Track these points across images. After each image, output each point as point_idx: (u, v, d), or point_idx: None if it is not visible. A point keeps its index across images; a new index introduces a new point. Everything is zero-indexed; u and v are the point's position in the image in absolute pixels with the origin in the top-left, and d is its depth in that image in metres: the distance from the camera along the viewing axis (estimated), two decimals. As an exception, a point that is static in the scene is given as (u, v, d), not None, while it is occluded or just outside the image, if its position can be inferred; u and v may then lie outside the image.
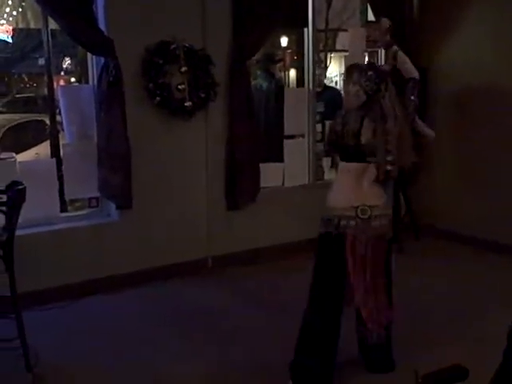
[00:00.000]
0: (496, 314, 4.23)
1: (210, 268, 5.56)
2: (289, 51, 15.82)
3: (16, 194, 3.54)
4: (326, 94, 7.49)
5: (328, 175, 6.93)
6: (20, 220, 3.64)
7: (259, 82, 6.65)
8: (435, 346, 3.81)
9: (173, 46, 5.05)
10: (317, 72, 7.95)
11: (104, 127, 4.88)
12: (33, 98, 13.98)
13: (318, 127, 6.67)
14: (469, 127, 6.18)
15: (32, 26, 9.57)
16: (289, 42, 15.36)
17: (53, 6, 4.60)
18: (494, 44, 5.81)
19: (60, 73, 15.15)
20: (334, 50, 16.14)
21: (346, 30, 9.01)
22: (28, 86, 16.87)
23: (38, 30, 6.45)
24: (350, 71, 3.36)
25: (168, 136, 5.24)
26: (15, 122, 10.03)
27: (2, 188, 3.63)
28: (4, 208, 3.57)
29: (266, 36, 5.70)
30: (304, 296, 4.91)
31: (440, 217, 6.31)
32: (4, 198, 3.58)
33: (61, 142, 6.22)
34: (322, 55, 15.20)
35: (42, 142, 9.25)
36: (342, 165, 3.44)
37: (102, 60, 4.82)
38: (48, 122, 7.71)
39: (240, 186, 5.54)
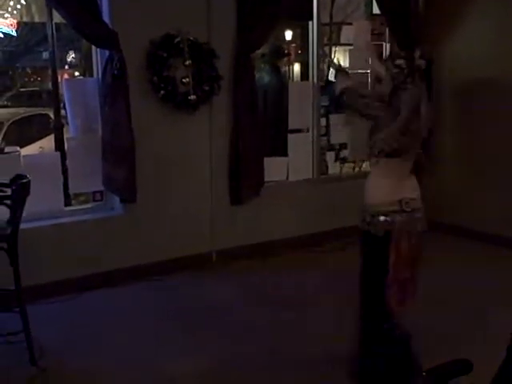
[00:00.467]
0: (506, 309, 4.21)
1: (213, 262, 5.56)
2: (293, 45, 15.75)
3: (20, 187, 3.55)
4: (329, 88, 7.48)
5: (332, 169, 6.94)
6: (24, 214, 3.65)
7: (264, 75, 6.63)
8: (445, 341, 3.79)
9: (177, 40, 5.04)
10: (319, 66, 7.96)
11: (108, 121, 4.87)
12: (37, 92, 13.99)
13: (323, 121, 6.66)
14: (473, 121, 6.16)
15: (36, 19, 9.56)
16: (293, 36, 15.30)
17: (57, -2, 4.60)
18: (499, 38, 5.78)
19: (64, 66, 15.13)
20: (338, 43, 16.05)
21: (350, 24, 8.94)
22: (32, 79, 16.86)
23: (43, 24, 6.45)
24: (387, 57, 3.35)
25: (172, 129, 5.23)
26: (19, 116, 10.03)
27: (7, 182, 3.63)
28: (8, 201, 3.57)
29: (270, 30, 5.67)
30: (308, 290, 4.95)
31: (448, 212, 6.28)
32: (8, 191, 3.59)
33: (65, 136, 6.24)
34: (326, 49, 15.14)
35: (46, 135, 9.27)
36: (375, 160, 3.36)
37: (107, 53, 4.81)
38: (52, 115, 7.73)
39: (244, 180, 5.53)
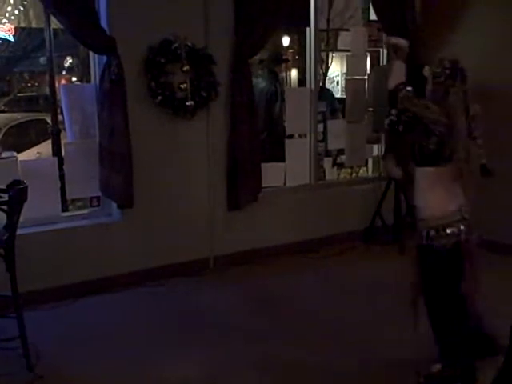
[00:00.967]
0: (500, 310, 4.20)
1: (211, 268, 5.55)
2: (290, 51, 15.80)
3: (17, 193, 3.54)
4: (322, 94, 7.54)
5: (329, 175, 6.95)
6: (21, 219, 3.65)
7: (262, 81, 6.64)
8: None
9: (175, 45, 5.05)
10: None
11: (106, 126, 4.87)
12: (34, 97, 14.00)
13: (320, 127, 6.67)
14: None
15: (34, 25, 9.59)
16: (290, 42, 15.34)
17: (55, 4, 4.60)
18: (496, 44, 5.79)
19: (62, 72, 15.14)
20: (335, 49, 16.10)
21: (347, 30, 8.98)
22: (30, 85, 16.88)
23: (40, 29, 6.46)
24: (436, 60, 3.36)
25: (170, 135, 5.23)
26: (17, 121, 10.04)
27: (4, 187, 3.62)
28: (5, 207, 3.56)
29: (268, 36, 5.69)
30: (306, 295, 4.95)
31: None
32: (5, 197, 3.58)
33: (62, 141, 6.23)
34: (323, 55, 15.17)
35: (43, 141, 9.26)
36: (420, 171, 3.34)
37: (104, 59, 4.81)
38: (50, 121, 7.72)
39: (241, 186, 5.53)
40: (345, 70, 6.66)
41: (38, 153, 9.00)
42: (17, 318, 3.60)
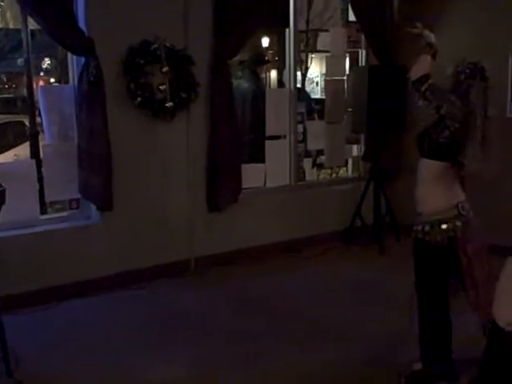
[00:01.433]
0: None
1: (192, 269, 5.53)
2: (270, 52, 15.83)
3: (-5, 195, 3.49)
4: (298, 95, 7.56)
5: (309, 176, 6.97)
6: (-1, 222, 3.60)
7: (243, 82, 6.64)
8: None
9: (154, 46, 5.03)
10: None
11: (84, 128, 4.83)
12: (12, 99, 13.84)
13: (300, 128, 6.69)
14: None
15: (11, 25, 9.49)
16: (270, 43, 15.37)
17: (32, 5, 4.56)
18: (475, 45, 5.83)
19: (40, 73, 15.02)
20: (314, 50, 16.17)
21: (327, 31, 9.02)
22: (7, 86, 16.71)
23: (18, 30, 6.39)
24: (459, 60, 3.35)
25: (149, 137, 5.21)
26: (-6, 123, 9.93)
27: (-19, 190, 3.57)
28: (-17, 210, 3.51)
29: (247, 37, 5.69)
30: (288, 294, 4.96)
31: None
32: (-17, 200, 3.53)
33: (40, 143, 6.17)
34: (303, 56, 15.23)
35: (21, 143, 9.18)
36: (424, 162, 3.35)
37: (83, 60, 4.77)
38: (27, 122, 7.66)
39: (222, 187, 5.53)
40: (324, 71, 6.67)
41: (15, 155, 8.91)
42: (-5, 322, 3.56)
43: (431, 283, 3.39)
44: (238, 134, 5.66)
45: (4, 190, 3.54)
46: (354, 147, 7.12)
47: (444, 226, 3.26)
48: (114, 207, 4.97)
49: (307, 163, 6.98)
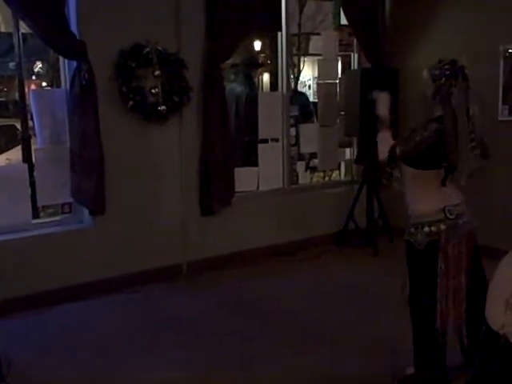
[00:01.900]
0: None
1: (184, 274, 5.52)
2: (262, 55, 15.83)
3: (-13, 200, 3.48)
4: (297, 99, 7.57)
5: (302, 179, 6.97)
6: (-9, 227, 3.58)
7: (237, 86, 6.64)
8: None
9: (146, 50, 5.02)
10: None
11: (77, 132, 4.82)
12: (3, 103, 13.80)
13: (292, 131, 6.69)
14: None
15: (2, 29, 9.43)
16: (262, 46, 15.36)
17: (24, 9, 4.54)
18: (465, 48, 5.85)
19: (31, 77, 14.96)
20: (307, 53, 16.17)
21: (319, 34, 9.03)
22: (-2, 90, 16.63)
23: (9, 34, 6.36)
24: (432, 63, 3.30)
25: (142, 140, 5.20)
26: (-14, 127, 9.89)
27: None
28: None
29: (239, 40, 5.69)
30: (282, 298, 4.95)
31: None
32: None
33: (33, 147, 6.14)
34: (295, 59, 15.24)
35: (13, 147, 9.14)
36: (414, 170, 3.31)
37: (75, 63, 4.76)
38: (19, 126, 7.62)
39: (214, 191, 5.52)
40: (316, 74, 6.68)
41: (7, 159, 8.87)
42: (-13, 327, 3.54)
43: (420, 284, 3.39)
44: (230, 138, 5.66)
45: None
46: (347, 150, 7.13)
47: (426, 229, 3.26)
48: (107, 211, 4.96)
49: (300, 166, 6.99)
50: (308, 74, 17.27)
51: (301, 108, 7.14)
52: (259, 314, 4.65)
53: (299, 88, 15.40)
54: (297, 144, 6.79)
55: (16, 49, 6.26)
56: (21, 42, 6.17)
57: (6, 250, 4.64)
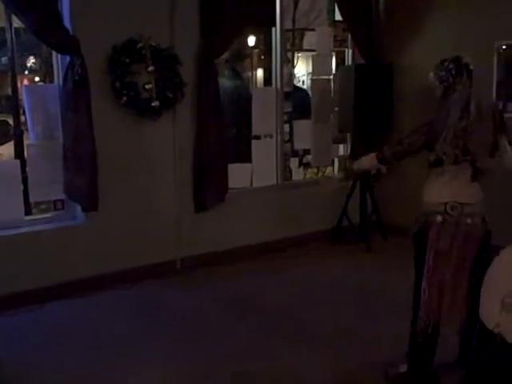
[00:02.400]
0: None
1: (178, 270, 5.51)
2: (256, 50, 15.79)
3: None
4: (296, 94, 7.54)
5: (296, 175, 6.96)
6: (-17, 223, 3.56)
7: (227, 81, 6.61)
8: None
9: (139, 45, 4.99)
10: (286, 71, 8.01)
11: (70, 127, 4.80)
12: (-4, 98, 13.71)
13: (286, 127, 6.67)
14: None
15: (-5, 24, 9.38)
16: (256, 42, 15.32)
17: (17, 3, 4.51)
18: (460, 44, 5.85)
19: (24, 72, 14.87)
20: (301, 49, 16.16)
21: (313, 30, 9.01)
22: (-9, 85, 16.53)
23: (2, 29, 6.32)
24: (436, 64, 3.33)
25: (135, 136, 5.18)
26: (-23, 123, 9.83)
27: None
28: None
29: (234, 35, 5.67)
30: (276, 294, 4.95)
31: (406, 215, 6.32)
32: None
33: (25, 143, 6.11)
34: (289, 54, 15.21)
35: (5, 142, 9.08)
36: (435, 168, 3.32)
37: (68, 59, 4.73)
38: (11, 122, 7.58)
39: (208, 187, 5.51)
40: (310, 70, 6.66)
41: (-1, 154, 8.83)
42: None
43: (417, 272, 3.40)
44: (224, 134, 5.64)
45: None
46: (341, 146, 7.12)
47: (423, 218, 3.29)
48: (100, 208, 4.94)
49: (294, 163, 6.97)
50: (302, 70, 17.26)
51: (300, 104, 7.09)
52: (253, 310, 4.65)
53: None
54: (290, 140, 6.77)
55: (9, 43, 6.23)
56: (13, 36, 6.15)
57: (-2, 246, 4.61)
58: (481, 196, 3.28)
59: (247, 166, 6.06)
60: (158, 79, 5.11)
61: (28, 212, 5.35)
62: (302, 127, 6.59)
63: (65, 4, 4.79)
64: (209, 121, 5.43)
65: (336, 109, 6.53)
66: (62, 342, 4.11)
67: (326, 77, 6.63)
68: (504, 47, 5.61)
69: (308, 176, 7.85)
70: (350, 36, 6.74)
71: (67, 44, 4.66)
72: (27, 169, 5.04)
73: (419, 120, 6.27)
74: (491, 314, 2.39)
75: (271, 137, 6.29)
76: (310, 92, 6.94)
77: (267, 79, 13.10)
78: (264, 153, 6.17)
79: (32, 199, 5.19)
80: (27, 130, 5.43)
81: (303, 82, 16.66)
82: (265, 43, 14.22)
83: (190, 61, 5.33)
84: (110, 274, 5.08)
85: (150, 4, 5.09)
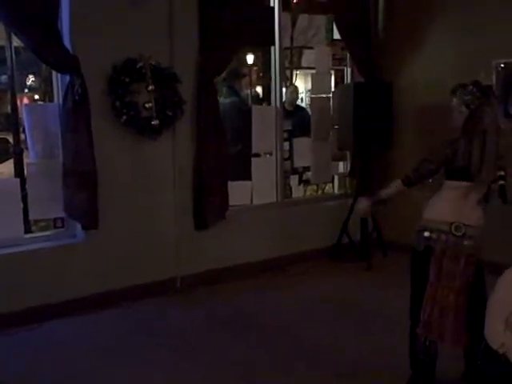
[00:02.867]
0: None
1: (178, 288, 5.49)
2: (255, 68, 15.88)
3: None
4: (297, 113, 7.57)
5: (296, 193, 6.96)
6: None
7: (223, 99, 6.62)
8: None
9: (139, 64, 5.01)
10: (290, 90, 8.04)
11: (69, 146, 4.80)
12: (-4, 116, 13.76)
13: (286, 145, 6.68)
14: (434, 143, 6.23)
15: (-5, 42, 9.43)
16: (255, 59, 15.41)
17: (17, 23, 4.53)
18: (455, 65, 5.88)
19: (24, 90, 14.94)
20: (299, 67, 16.27)
21: (311, 48, 9.08)
22: (-10, 103, 16.58)
23: (1, 47, 6.35)
24: (454, 88, 3.34)
25: (135, 155, 5.18)
26: (-23, 141, 9.86)
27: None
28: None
29: (232, 53, 5.71)
30: (276, 312, 4.93)
31: (407, 233, 6.31)
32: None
33: (25, 161, 6.11)
34: (287, 72, 15.30)
35: (5, 160, 9.10)
36: (448, 182, 3.35)
37: (68, 78, 4.75)
38: (11, 140, 7.59)
39: (208, 205, 5.50)
40: (309, 88, 6.68)
41: (-1, 173, 8.84)
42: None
43: (415, 287, 3.42)
44: (224, 152, 5.65)
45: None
46: (340, 164, 7.14)
47: (426, 234, 3.29)
48: (100, 226, 4.93)
49: (294, 180, 6.98)
50: (301, 87, 17.35)
51: (301, 123, 7.12)
52: (253, 328, 4.63)
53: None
54: (290, 158, 6.78)
55: (8, 62, 6.25)
56: (13, 55, 6.17)
57: (-3, 265, 4.59)
58: (482, 221, 3.31)
59: (247, 183, 6.06)
60: (157, 98, 5.13)
61: (27, 230, 5.35)
62: (302, 145, 6.61)
63: (65, 23, 4.82)
64: (208, 139, 5.44)
65: (336, 127, 6.55)
66: (62, 361, 4.08)
67: (326, 95, 6.66)
68: (502, 65, 5.64)
69: (308, 193, 7.86)
70: (348, 54, 6.77)
71: (67, 63, 4.68)
72: (27, 187, 5.03)
73: (419, 137, 6.31)
74: (496, 333, 2.38)
75: (271, 154, 6.30)
76: (309, 110, 6.97)
77: (265, 97, 13.18)
78: (264, 170, 6.17)
79: (32, 217, 5.18)
80: (27, 148, 5.43)
81: (302, 99, 16.74)
82: (263, 61, 14.35)
83: (189, 79, 5.35)
84: (110, 292, 5.05)
85: (149, 23, 5.12)
